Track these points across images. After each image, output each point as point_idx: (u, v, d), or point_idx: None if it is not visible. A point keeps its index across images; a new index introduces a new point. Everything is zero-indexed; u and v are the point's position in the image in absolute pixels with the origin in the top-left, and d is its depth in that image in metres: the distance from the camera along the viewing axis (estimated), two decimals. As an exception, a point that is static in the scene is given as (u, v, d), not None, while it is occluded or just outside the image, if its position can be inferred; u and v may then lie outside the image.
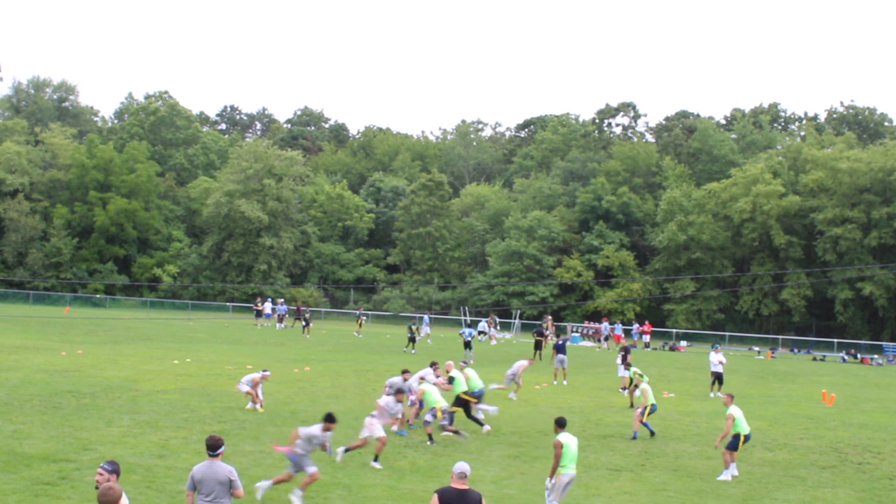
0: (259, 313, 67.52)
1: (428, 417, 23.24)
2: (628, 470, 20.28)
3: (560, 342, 38.90)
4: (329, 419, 16.83)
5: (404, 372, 25.58)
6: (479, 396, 25.54)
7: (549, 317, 61.95)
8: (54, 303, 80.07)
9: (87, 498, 14.90)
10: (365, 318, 65.95)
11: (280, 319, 66.34)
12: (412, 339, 50.30)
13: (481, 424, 24.65)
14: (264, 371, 26.86)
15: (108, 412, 24.16)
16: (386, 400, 21.69)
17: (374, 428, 19.87)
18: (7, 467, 17.47)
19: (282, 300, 71.52)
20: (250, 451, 20.09)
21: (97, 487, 9.89)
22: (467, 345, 46.07)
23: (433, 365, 27.08)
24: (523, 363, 32.00)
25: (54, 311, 71.47)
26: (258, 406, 25.73)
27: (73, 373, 31.11)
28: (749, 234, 76.76)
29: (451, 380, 25.73)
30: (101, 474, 9.91)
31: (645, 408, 24.48)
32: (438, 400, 23.56)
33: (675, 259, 79.55)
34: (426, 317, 61.39)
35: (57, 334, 48.09)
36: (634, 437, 24.08)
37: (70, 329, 52.11)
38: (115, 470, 9.91)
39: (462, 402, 25.04)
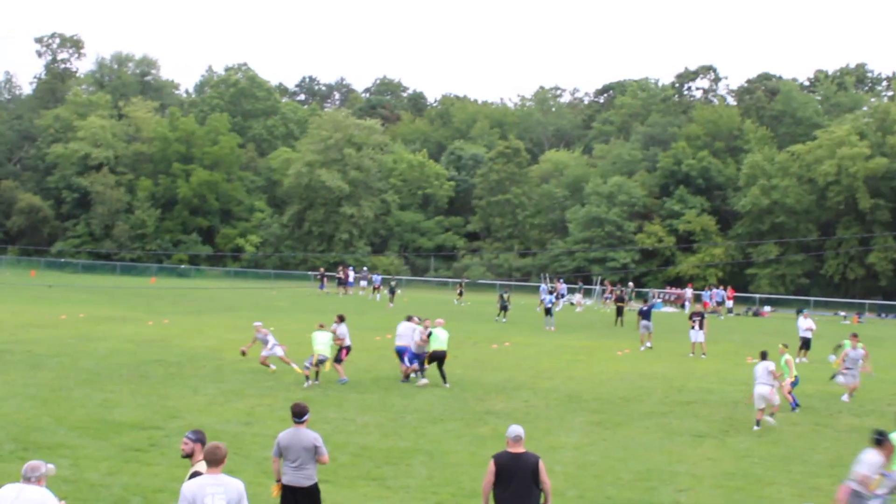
0: (342, 281, 67.98)
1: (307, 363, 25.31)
2: (712, 436, 20.13)
3: (645, 308, 38.88)
4: None
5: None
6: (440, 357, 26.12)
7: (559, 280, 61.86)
8: (140, 274, 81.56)
9: (176, 464, 15.19)
10: (462, 286, 65.08)
11: (375, 289, 65.30)
12: (504, 308, 49.49)
13: (444, 380, 25.53)
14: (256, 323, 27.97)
15: (195, 381, 24.58)
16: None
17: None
18: (98, 434, 17.88)
19: (365, 269, 71.93)
20: (334, 419, 20.30)
21: (183, 456, 10.06)
22: (548, 311, 45.96)
23: (410, 318, 28.12)
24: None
25: (140, 281, 72.72)
26: (272, 366, 26.67)
27: (159, 342, 31.67)
28: (834, 198, 75.29)
29: (429, 335, 26.31)
30: (186, 443, 10.07)
31: (790, 380, 23.75)
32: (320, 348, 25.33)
33: (758, 223, 78.38)
34: (543, 285, 60.62)
35: (143, 305, 48.97)
36: (794, 408, 23.41)
37: (156, 299, 53.02)
38: (199, 439, 10.06)
39: (436, 357, 25.90)
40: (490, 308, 54.51)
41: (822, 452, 18.94)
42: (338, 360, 26.05)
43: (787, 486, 16.20)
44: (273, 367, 26.33)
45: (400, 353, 26.80)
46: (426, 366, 26.11)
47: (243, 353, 26.98)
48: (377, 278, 67.01)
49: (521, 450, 11.03)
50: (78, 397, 21.74)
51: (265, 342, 26.65)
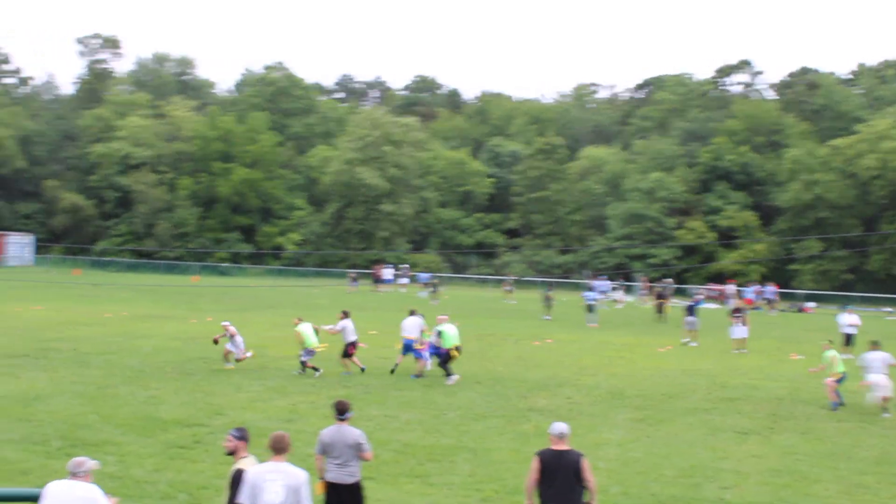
0: (379, 279, 68.06)
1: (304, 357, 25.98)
2: (756, 433, 19.99)
3: (691, 304, 38.85)
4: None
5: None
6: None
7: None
8: (182, 272, 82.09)
9: (220, 461, 15.28)
10: (511, 284, 64.67)
11: (433, 289, 63.35)
12: (549, 306, 49.01)
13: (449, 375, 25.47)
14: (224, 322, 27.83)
15: (238, 378, 24.73)
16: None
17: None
18: (144, 432, 18.03)
19: (405, 266, 71.97)
20: (376, 416, 20.35)
21: (227, 453, 10.11)
22: (590, 308, 45.83)
23: (413, 312, 28.05)
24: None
25: (183, 279, 73.23)
26: (230, 364, 26.64)
27: (202, 340, 31.87)
28: (878, 192, 74.53)
29: (440, 334, 26.08)
30: (229, 441, 10.12)
31: (835, 377, 23.52)
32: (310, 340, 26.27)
33: (800, 219, 77.70)
34: (597, 283, 60.29)
35: (186, 302, 49.32)
36: (835, 408, 23.01)
37: (198, 297, 53.38)
38: (242, 436, 10.11)
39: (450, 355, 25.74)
40: (532, 305, 54.44)
41: (867, 449, 18.77)
42: (345, 354, 26.47)
43: (833, 484, 16.07)
44: (230, 364, 26.47)
45: (407, 346, 26.96)
46: (449, 365, 25.77)
47: (215, 342, 27.63)
48: (425, 276, 66.63)
49: (564, 447, 11.02)
50: (123, 395, 21.93)
51: (233, 339, 26.82)
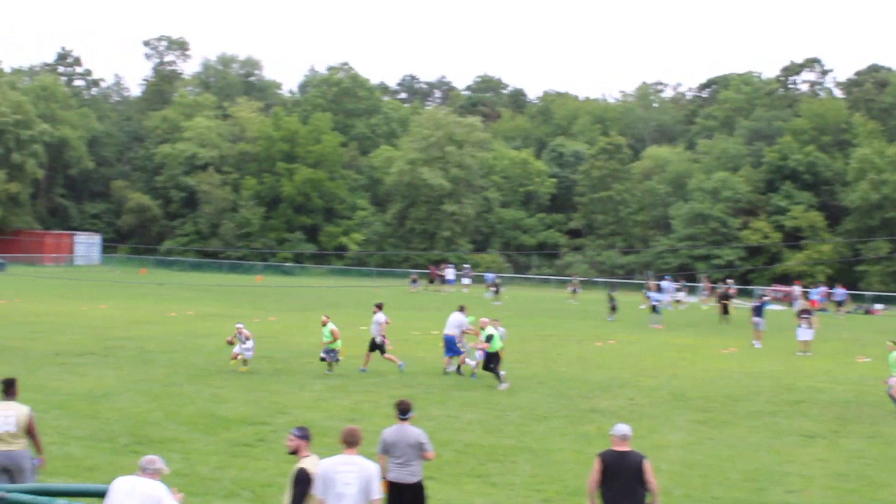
0: (442, 279, 68.14)
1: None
2: (822, 436, 19.74)
3: (757, 305, 38.54)
4: None
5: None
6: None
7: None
8: (246, 271, 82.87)
9: (283, 459, 15.38)
10: (577, 285, 64.30)
11: (496, 289, 61.40)
12: (613, 308, 48.39)
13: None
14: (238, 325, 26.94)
15: (301, 377, 24.92)
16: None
17: None
18: (207, 429, 18.23)
19: (467, 266, 71.97)
20: (438, 416, 20.38)
21: (289, 452, 10.18)
22: (654, 309, 45.55)
23: (462, 309, 27.62)
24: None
25: (246, 279, 73.92)
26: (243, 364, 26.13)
27: (265, 339, 32.11)
28: (949, 193, 73.30)
29: (489, 337, 24.96)
30: (291, 440, 10.18)
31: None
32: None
33: (867, 219, 76.53)
34: (668, 283, 59.90)
35: (249, 302, 49.77)
36: None
37: (262, 297, 53.84)
38: (304, 436, 10.16)
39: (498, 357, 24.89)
40: (594, 306, 54.22)
41: (938, 453, 18.45)
42: (373, 348, 26.71)
43: (901, 488, 15.83)
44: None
45: (447, 342, 26.82)
46: (498, 369, 24.92)
47: (230, 343, 26.85)
48: (490, 276, 66.32)
49: (626, 448, 10.96)
50: (188, 392, 22.19)
51: (243, 341, 26.24)
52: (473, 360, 26.46)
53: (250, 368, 25.91)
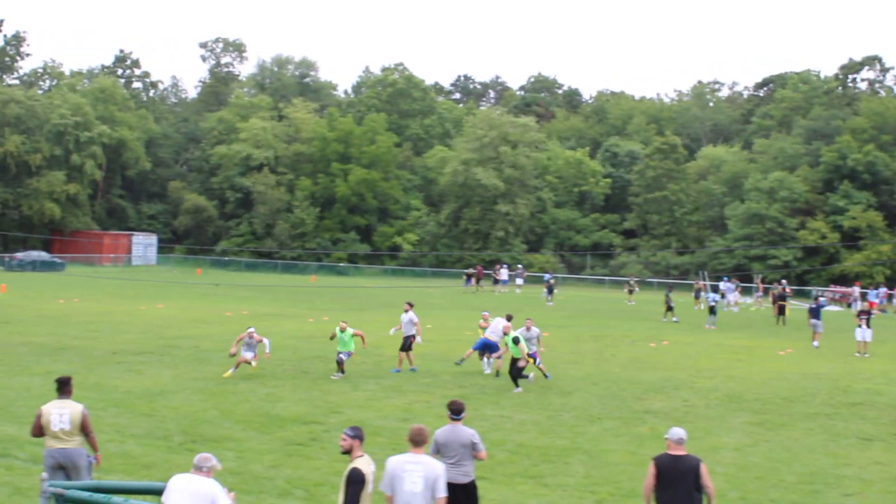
0: (495, 280, 68.10)
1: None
2: (880, 439, 19.47)
3: (815, 306, 38.15)
4: None
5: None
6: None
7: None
8: (301, 271, 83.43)
9: (336, 459, 15.47)
10: (634, 285, 63.78)
11: (549, 289, 59.95)
12: (670, 308, 47.64)
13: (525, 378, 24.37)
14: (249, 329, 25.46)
15: (354, 377, 25.00)
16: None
17: None
18: (262, 428, 18.36)
19: (521, 266, 71.79)
20: (491, 416, 20.38)
21: (342, 452, 10.21)
22: (711, 310, 45.18)
23: (509, 318, 26.63)
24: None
25: (301, 279, 74.36)
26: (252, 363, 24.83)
27: (319, 339, 32.26)
28: None
29: (516, 339, 24.41)
30: (344, 439, 10.21)
31: None
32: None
33: (928, 219, 75.53)
34: (728, 284, 59.37)
35: (304, 302, 50.06)
36: None
37: (316, 297, 54.13)
38: (357, 435, 10.17)
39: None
40: (649, 306, 53.91)
41: None
42: (404, 347, 26.60)
43: (961, 493, 15.58)
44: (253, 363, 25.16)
45: (488, 346, 26.34)
46: (520, 373, 24.31)
47: (233, 355, 25.03)
48: (548, 276, 65.89)
49: (682, 452, 10.84)
50: (243, 391, 22.36)
51: (251, 346, 24.87)
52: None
53: (256, 370, 25.00)
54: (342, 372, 25.11)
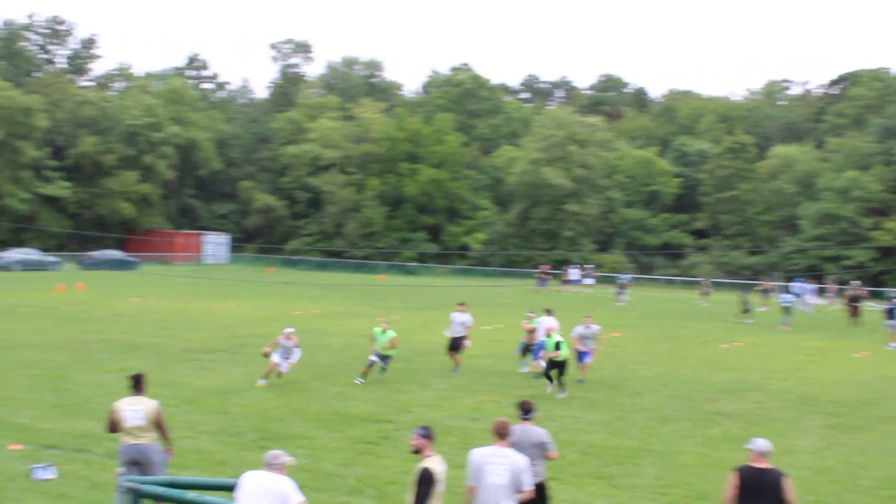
0: (567, 281, 67.89)
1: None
2: (960, 443, 19.10)
3: (890, 307, 37.60)
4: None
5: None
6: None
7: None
8: (370, 271, 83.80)
9: (406, 458, 15.50)
10: (709, 286, 62.99)
11: (620, 289, 58.75)
12: (746, 310, 46.92)
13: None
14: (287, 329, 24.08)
15: (424, 376, 25.05)
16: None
17: None
18: (333, 426, 18.45)
19: (591, 266, 71.44)
20: (561, 416, 20.30)
21: (413, 451, 10.22)
22: (786, 311, 44.59)
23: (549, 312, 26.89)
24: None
25: (370, 278, 74.71)
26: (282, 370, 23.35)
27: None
28: None
29: (558, 344, 23.77)
30: (415, 439, 10.23)
31: None
32: None
33: None
34: (801, 285, 58.57)
35: (373, 301, 50.24)
36: None
37: (385, 296, 54.33)
38: (428, 435, 10.18)
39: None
40: (723, 308, 53.37)
41: None
42: (452, 348, 26.47)
43: None
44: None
45: (539, 347, 25.90)
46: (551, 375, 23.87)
47: (266, 355, 23.68)
48: (626, 276, 65.12)
49: (766, 464, 10.46)
50: (314, 389, 22.51)
51: (287, 350, 23.53)
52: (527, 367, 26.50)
53: (283, 377, 23.63)
54: (363, 378, 23.60)
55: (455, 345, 26.73)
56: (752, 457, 10.46)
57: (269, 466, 9.45)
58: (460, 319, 27.04)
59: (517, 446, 11.60)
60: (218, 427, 18.06)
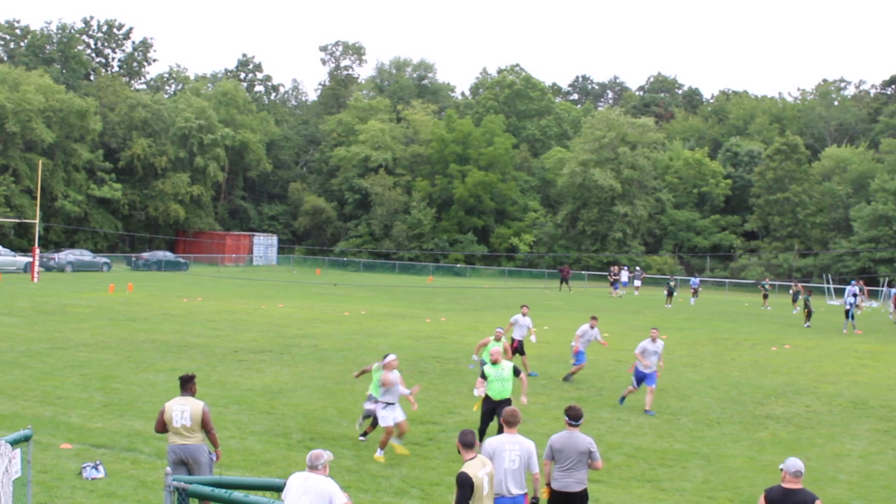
0: (615, 282, 67.63)
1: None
2: None
3: None
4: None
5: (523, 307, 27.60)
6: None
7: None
8: (418, 272, 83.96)
9: (452, 459, 15.54)
10: (770, 288, 61.89)
11: (670, 294, 58.73)
12: (809, 314, 46.33)
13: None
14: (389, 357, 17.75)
15: (471, 377, 24.99)
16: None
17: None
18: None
19: (639, 268, 71.06)
20: (607, 419, 20.19)
21: (458, 452, 10.23)
22: (848, 314, 43.98)
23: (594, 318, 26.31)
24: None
25: (418, 279, 74.84)
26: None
27: (436, 339, 32.40)
28: None
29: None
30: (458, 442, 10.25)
31: None
32: None
33: None
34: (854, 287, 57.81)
35: (421, 302, 50.32)
36: None
37: (433, 297, 54.39)
38: (464, 441, 10.19)
39: None
40: (774, 310, 52.89)
41: None
42: (515, 351, 26.22)
43: None
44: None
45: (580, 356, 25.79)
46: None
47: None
48: (695, 280, 64.24)
49: (797, 485, 9.79)
50: (361, 390, 22.49)
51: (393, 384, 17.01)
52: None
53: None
54: (364, 436, 17.69)
55: (521, 348, 26.67)
56: (785, 477, 9.82)
57: (313, 468, 9.48)
58: (525, 322, 26.96)
59: (562, 453, 11.50)
60: (265, 427, 18.14)
